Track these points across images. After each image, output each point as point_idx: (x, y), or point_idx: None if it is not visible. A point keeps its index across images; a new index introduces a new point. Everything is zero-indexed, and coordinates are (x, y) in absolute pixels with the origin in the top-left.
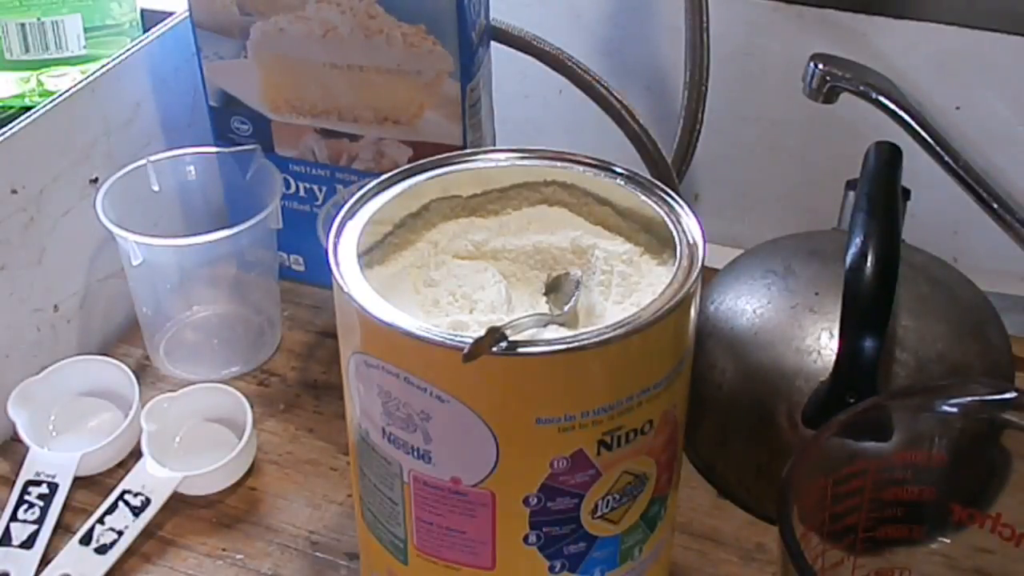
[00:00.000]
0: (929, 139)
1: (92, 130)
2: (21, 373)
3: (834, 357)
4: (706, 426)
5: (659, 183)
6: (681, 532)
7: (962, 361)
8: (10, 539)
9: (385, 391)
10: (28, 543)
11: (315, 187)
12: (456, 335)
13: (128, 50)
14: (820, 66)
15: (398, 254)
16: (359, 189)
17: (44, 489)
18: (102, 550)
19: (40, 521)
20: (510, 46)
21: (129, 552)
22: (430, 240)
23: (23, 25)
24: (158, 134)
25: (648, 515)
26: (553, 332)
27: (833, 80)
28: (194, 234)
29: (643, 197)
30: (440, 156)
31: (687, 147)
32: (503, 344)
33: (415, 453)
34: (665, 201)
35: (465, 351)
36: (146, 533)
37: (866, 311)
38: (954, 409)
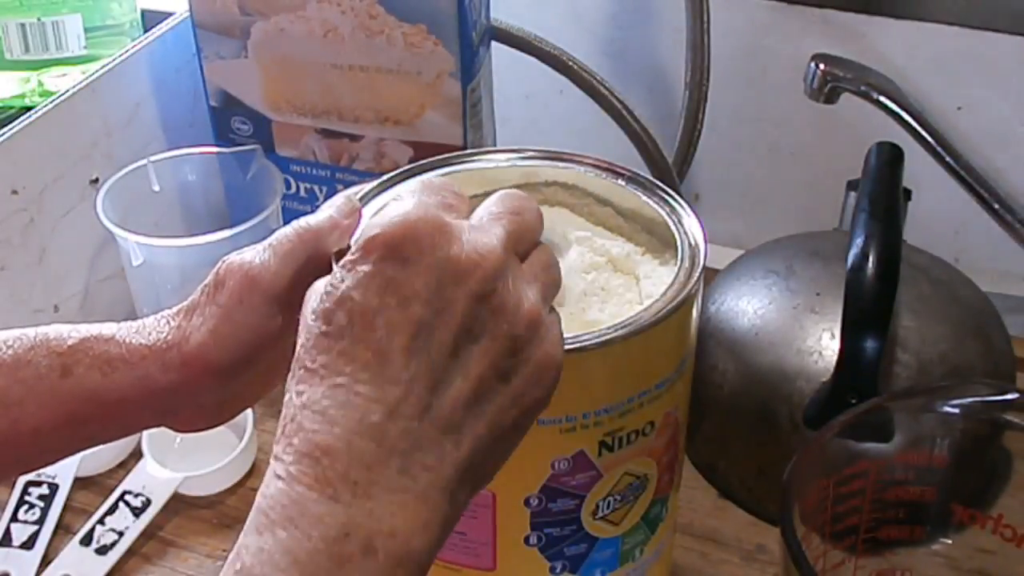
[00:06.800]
0: (930, 139)
1: (92, 130)
2: None
3: (835, 358)
4: (707, 427)
5: (660, 183)
6: (682, 533)
7: (963, 362)
8: (11, 540)
9: None
10: (29, 544)
11: (316, 187)
12: None
13: (128, 50)
14: (821, 66)
15: None
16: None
17: (44, 490)
18: (103, 551)
19: (41, 522)
20: (511, 46)
21: (130, 553)
22: None
23: (23, 25)
24: (159, 134)
25: (649, 516)
26: None
27: (834, 80)
28: (195, 234)
29: (644, 197)
30: (441, 156)
31: (688, 147)
32: None
33: None
34: (666, 201)
35: None
36: (147, 534)
37: (867, 312)
38: (955, 410)
